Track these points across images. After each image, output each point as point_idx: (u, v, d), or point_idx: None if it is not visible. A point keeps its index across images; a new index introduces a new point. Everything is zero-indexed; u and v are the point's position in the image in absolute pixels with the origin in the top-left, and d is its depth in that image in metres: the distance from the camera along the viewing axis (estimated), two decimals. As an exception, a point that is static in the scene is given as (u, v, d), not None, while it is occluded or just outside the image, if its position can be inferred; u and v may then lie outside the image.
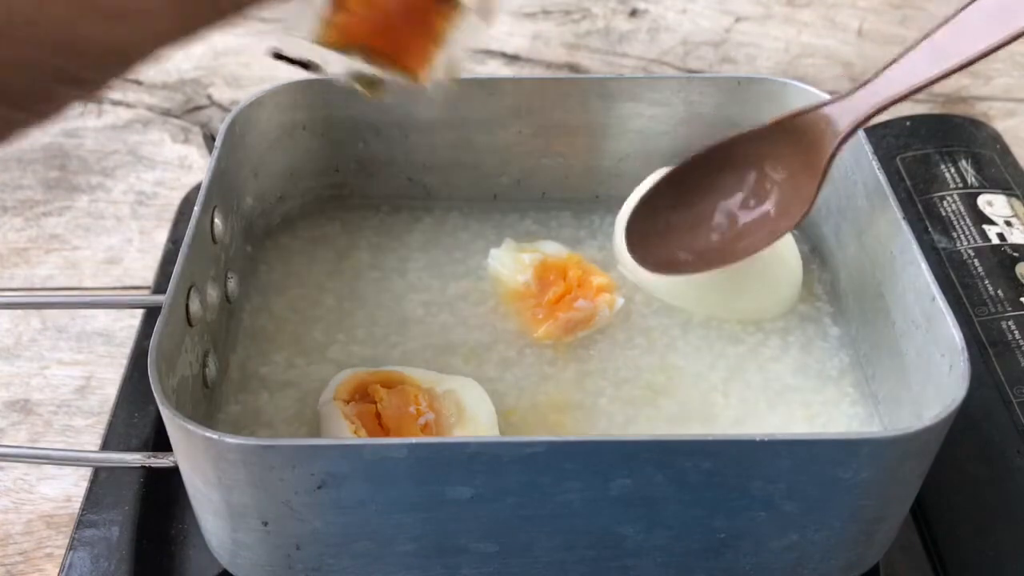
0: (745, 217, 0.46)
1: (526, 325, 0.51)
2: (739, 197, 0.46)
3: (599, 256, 0.55)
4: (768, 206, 0.46)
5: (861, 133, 0.50)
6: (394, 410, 0.44)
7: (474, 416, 0.44)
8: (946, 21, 0.41)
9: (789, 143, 0.44)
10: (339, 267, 0.55)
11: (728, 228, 0.47)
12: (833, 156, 0.43)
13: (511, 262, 0.53)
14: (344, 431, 0.43)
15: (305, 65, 0.38)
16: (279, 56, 0.39)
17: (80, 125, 0.75)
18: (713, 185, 0.47)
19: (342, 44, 0.37)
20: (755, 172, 0.46)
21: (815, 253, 0.56)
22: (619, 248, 0.54)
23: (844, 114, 0.43)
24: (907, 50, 0.42)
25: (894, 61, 0.42)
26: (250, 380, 0.49)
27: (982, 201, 0.61)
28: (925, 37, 0.41)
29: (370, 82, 0.39)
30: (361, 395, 0.45)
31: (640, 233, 0.48)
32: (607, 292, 0.52)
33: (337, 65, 0.38)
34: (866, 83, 0.43)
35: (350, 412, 0.44)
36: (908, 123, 0.67)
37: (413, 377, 0.46)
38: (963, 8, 0.40)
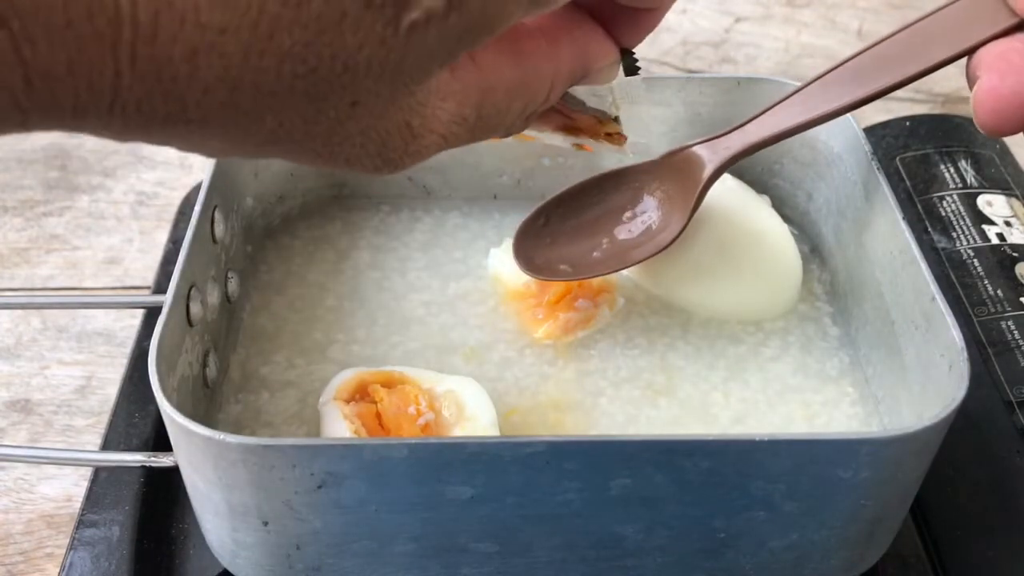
0: (626, 234, 0.50)
1: (526, 325, 0.51)
2: (623, 216, 0.50)
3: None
4: (649, 224, 0.49)
5: (861, 133, 0.51)
6: (394, 410, 0.44)
7: (474, 416, 0.44)
8: (818, 78, 0.44)
9: (669, 176, 0.48)
10: (339, 267, 0.55)
11: (609, 243, 0.50)
12: (704, 190, 0.47)
13: (511, 262, 0.53)
14: (344, 431, 0.43)
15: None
16: None
17: (80, 125, 0.75)
18: (602, 204, 0.50)
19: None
20: (640, 196, 0.49)
21: (815, 253, 0.56)
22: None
23: (714, 155, 0.46)
24: (779, 101, 0.45)
25: (766, 110, 0.46)
26: (250, 380, 0.49)
27: (982, 201, 0.61)
28: (797, 91, 0.45)
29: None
30: (361, 395, 0.45)
31: (527, 240, 0.50)
32: (607, 292, 0.52)
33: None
34: (739, 127, 0.46)
35: (350, 412, 0.44)
36: (908, 123, 0.67)
37: (413, 377, 0.46)
38: (832, 68, 0.44)
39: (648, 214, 0.49)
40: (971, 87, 0.39)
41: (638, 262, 0.49)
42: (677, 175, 0.48)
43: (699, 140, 0.47)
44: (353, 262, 0.55)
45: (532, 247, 0.50)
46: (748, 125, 0.46)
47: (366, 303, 0.53)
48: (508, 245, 0.54)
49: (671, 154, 0.48)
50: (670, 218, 0.48)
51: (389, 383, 0.46)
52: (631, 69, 0.38)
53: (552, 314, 0.51)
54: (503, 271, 0.53)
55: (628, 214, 0.49)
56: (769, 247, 0.52)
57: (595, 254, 0.49)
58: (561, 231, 0.50)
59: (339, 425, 0.43)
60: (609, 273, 0.49)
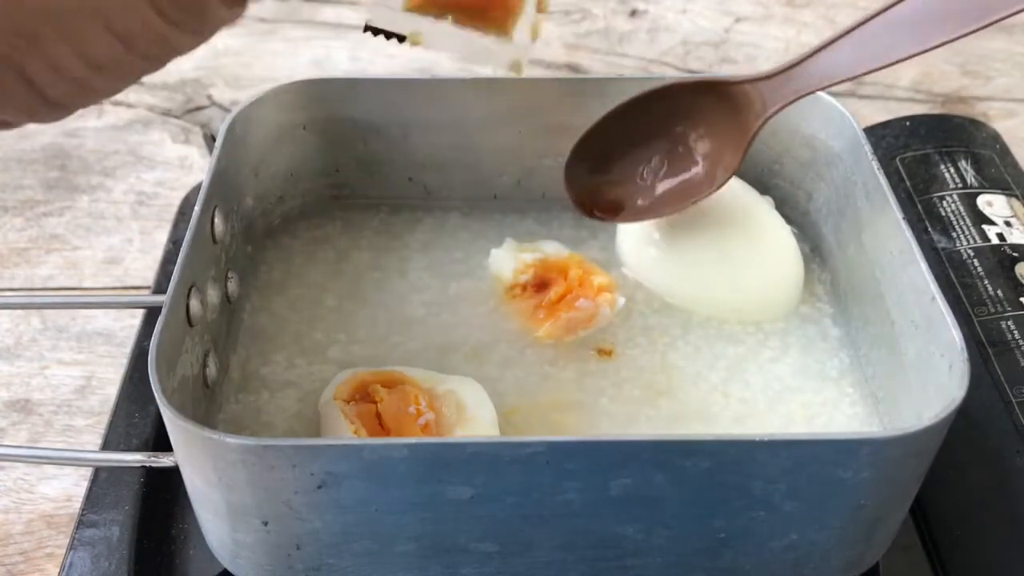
0: (671, 177, 0.48)
1: (527, 325, 0.51)
2: (671, 153, 0.48)
3: (600, 256, 0.55)
4: (697, 166, 0.47)
5: (861, 133, 0.51)
6: (394, 410, 0.44)
7: (474, 416, 0.44)
8: (878, 13, 0.41)
9: (720, 109, 0.45)
10: (339, 267, 0.55)
11: (654, 183, 0.48)
12: (755, 134, 0.45)
13: (512, 262, 0.53)
14: (344, 431, 0.43)
15: (400, 37, 0.39)
16: (372, 30, 0.40)
17: (80, 125, 0.75)
18: (651, 130, 0.48)
19: (433, 7, 0.39)
20: (687, 127, 0.47)
21: (815, 253, 0.56)
22: (621, 248, 0.54)
23: (773, 95, 0.44)
24: (836, 38, 0.42)
25: (823, 47, 0.43)
26: (250, 380, 0.49)
27: (982, 201, 0.61)
28: (856, 27, 0.42)
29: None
30: (362, 395, 0.45)
31: (577, 167, 0.49)
32: (608, 292, 0.52)
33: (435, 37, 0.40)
34: (794, 65, 0.43)
35: (350, 412, 0.44)
36: (908, 123, 0.67)
37: (413, 377, 0.46)
38: (890, 5, 0.41)
39: (697, 152, 0.47)
40: None
41: (683, 207, 0.47)
42: (730, 111, 0.45)
43: (753, 77, 0.45)
44: (353, 262, 0.55)
45: (581, 177, 0.49)
46: (807, 63, 0.43)
47: (367, 303, 0.53)
48: (509, 245, 0.54)
49: (726, 84, 0.45)
50: (719, 159, 0.46)
51: (389, 383, 0.46)
52: None
53: (553, 314, 0.51)
54: (504, 271, 0.53)
55: (680, 148, 0.47)
56: (770, 248, 0.52)
57: (639, 200, 0.48)
58: (609, 161, 0.49)
59: (339, 425, 0.43)
60: (653, 218, 0.49)
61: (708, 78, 0.46)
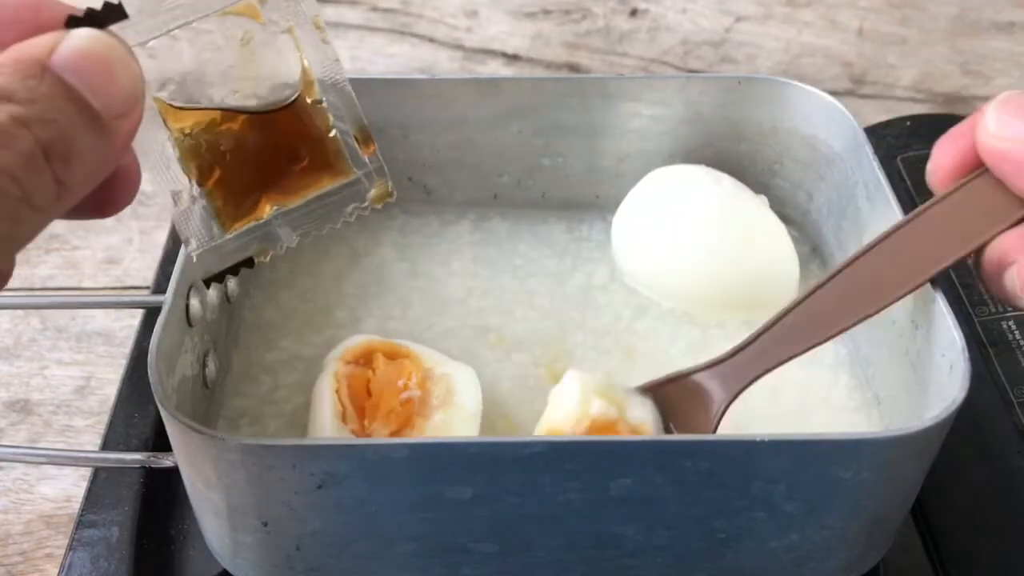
0: None
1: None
2: None
3: (599, 255, 0.55)
4: None
5: (862, 133, 0.51)
6: (384, 381, 0.45)
7: (460, 404, 0.44)
8: (830, 279, 0.41)
9: (683, 401, 0.43)
10: (339, 266, 0.55)
11: None
12: (719, 420, 0.42)
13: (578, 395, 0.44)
14: (326, 391, 0.44)
15: (247, 263, 0.35)
16: (211, 281, 0.35)
17: (80, 125, 0.75)
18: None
19: (254, 209, 0.34)
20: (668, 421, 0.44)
21: (815, 253, 0.56)
22: (617, 251, 0.54)
23: (723, 387, 0.42)
24: (791, 308, 0.41)
25: (777, 320, 0.42)
26: (253, 369, 0.49)
27: (982, 201, 0.60)
28: (806, 297, 0.41)
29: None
30: (365, 360, 0.46)
31: None
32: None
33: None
34: (745, 346, 0.42)
35: (343, 374, 0.45)
36: (908, 123, 0.67)
37: (418, 354, 0.47)
38: (832, 275, 0.41)
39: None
40: (994, 276, 0.38)
41: None
42: (685, 407, 0.43)
43: (703, 366, 0.43)
44: (352, 260, 0.55)
45: None
46: (759, 342, 0.42)
47: (366, 303, 0.53)
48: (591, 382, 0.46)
49: (673, 381, 0.44)
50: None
51: (394, 355, 0.46)
52: None
53: None
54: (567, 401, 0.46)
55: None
56: (765, 247, 0.52)
57: None
58: None
59: (325, 384, 0.44)
60: None
61: (663, 382, 0.44)
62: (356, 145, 0.35)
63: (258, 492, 0.37)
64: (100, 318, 0.59)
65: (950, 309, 0.41)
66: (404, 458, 0.36)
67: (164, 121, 0.33)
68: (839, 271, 0.41)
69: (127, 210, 0.68)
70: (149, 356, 0.38)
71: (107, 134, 0.28)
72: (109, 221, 0.67)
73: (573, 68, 0.82)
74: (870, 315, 0.41)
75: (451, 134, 0.56)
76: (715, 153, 0.56)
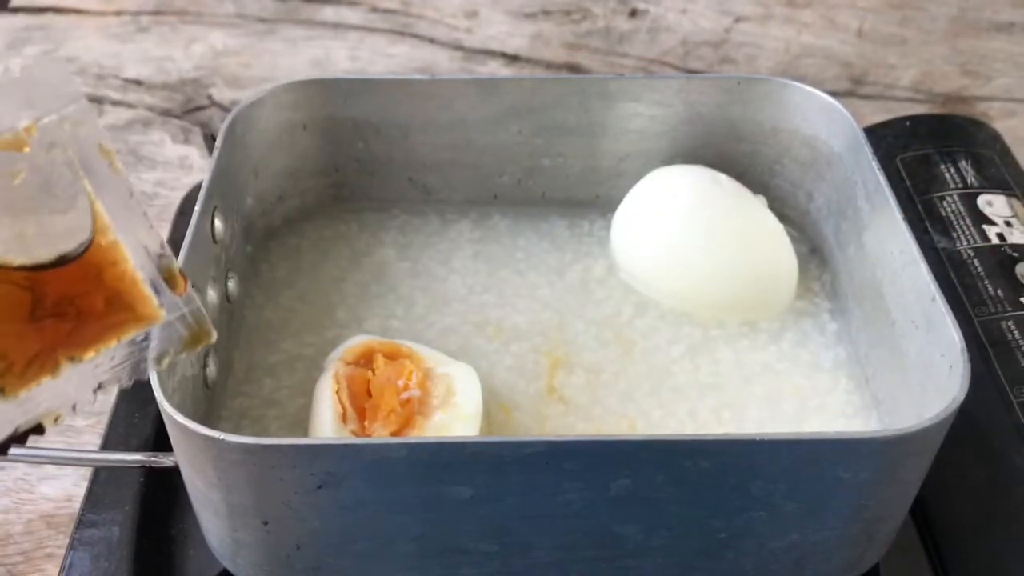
0: None
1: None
2: None
3: (597, 252, 0.55)
4: None
5: (861, 133, 0.51)
6: (384, 380, 0.45)
7: (459, 403, 0.44)
8: None
9: None
10: (340, 266, 0.55)
11: None
12: None
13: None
14: (327, 392, 0.44)
15: (37, 430, 0.31)
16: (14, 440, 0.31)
17: (80, 125, 0.75)
18: None
19: (35, 372, 0.29)
20: None
21: (815, 253, 0.56)
22: (616, 249, 0.54)
23: None
24: None
25: None
26: (254, 370, 0.49)
27: (982, 201, 0.60)
28: None
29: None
30: (366, 361, 0.46)
31: None
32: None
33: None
34: None
35: (343, 374, 0.45)
36: (908, 123, 0.67)
37: (418, 354, 0.47)
38: None
39: None
40: None
41: None
42: None
43: None
44: (350, 260, 0.55)
45: None
46: None
47: (366, 301, 0.53)
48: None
49: None
50: None
51: (394, 355, 0.46)
52: None
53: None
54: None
55: None
56: (763, 246, 0.52)
57: None
58: None
59: (325, 384, 0.44)
60: None
61: None
62: (165, 286, 0.31)
63: (258, 492, 0.37)
64: (100, 318, 0.59)
65: (949, 309, 0.41)
66: (404, 458, 0.36)
67: None
68: None
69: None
70: (149, 356, 0.38)
71: None
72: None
73: (573, 68, 0.82)
74: None
75: (451, 134, 0.56)
76: (715, 153, 0.56)
